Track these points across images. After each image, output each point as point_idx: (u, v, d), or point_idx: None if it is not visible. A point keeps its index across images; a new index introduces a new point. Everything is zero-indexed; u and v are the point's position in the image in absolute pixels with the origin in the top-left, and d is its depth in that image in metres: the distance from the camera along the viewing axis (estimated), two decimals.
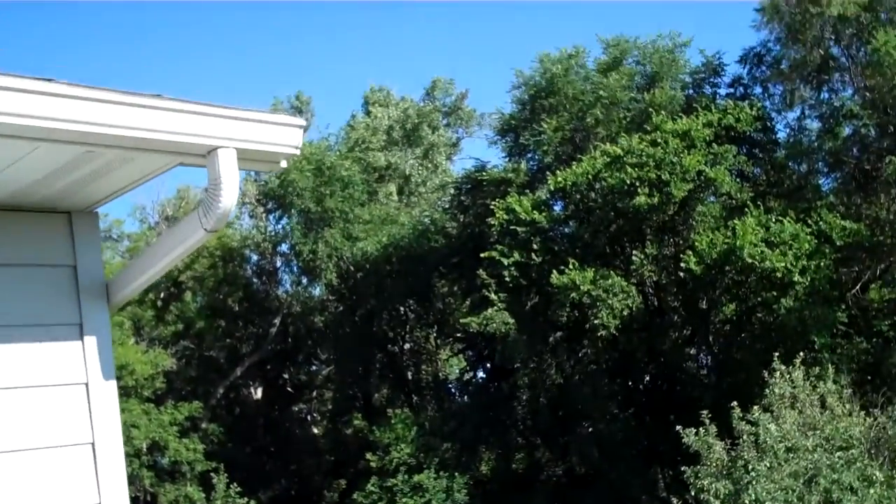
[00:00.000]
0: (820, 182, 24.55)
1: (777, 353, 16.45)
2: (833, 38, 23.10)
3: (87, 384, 4.39)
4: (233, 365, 33.88)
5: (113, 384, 4.48)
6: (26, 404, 4.22)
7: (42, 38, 51.24)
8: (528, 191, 25.08)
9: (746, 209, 22.31)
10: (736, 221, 21.55)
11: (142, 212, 38.63)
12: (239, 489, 24.48)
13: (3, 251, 4.27)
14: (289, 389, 37.37)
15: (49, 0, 48.04)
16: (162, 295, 33.18)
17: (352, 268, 31.61)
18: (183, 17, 56.85)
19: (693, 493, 15.32)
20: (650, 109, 23.91)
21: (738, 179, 24.10)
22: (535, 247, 23.42)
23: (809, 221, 21.60)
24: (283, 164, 4.33)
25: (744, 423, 15.26)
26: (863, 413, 16.22)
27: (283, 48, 61.92)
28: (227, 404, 35.37)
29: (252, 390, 36.90)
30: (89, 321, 4.44)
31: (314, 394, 38.49)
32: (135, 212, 38.53)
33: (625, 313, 22.16)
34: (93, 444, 4.36)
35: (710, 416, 15.70)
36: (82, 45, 55.03)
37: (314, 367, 38.64)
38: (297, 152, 4.25)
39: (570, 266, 22.20)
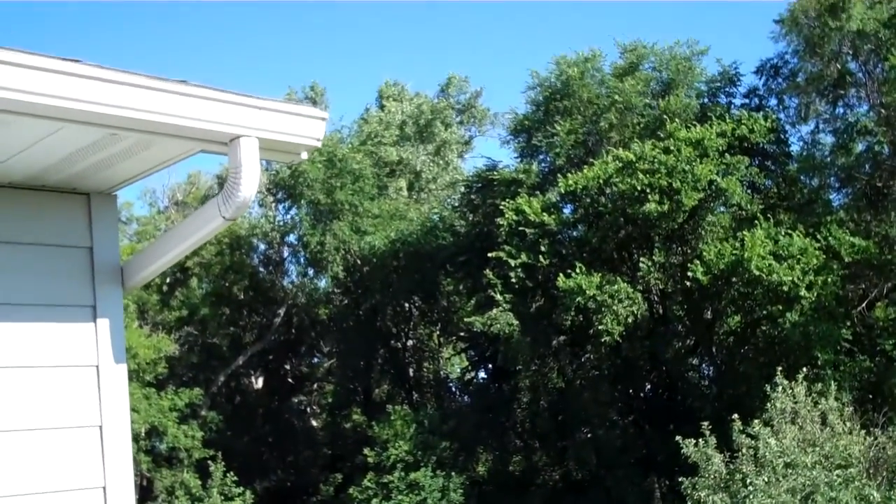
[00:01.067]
0: (831, 197, 24.48)
1: (780, 368, 16.43)
2: (851, 53, 23.05)
3: (97, 366, 4.40)
4: (235, 353, 33.93)
5: (123, 368, 4.48)
6: (37, 384, 4.22)
7: (52, 25, 51.28)
8: (538, 192, 25.05)
9: (756, 221, 22.28)
10: (745, 233, 21.52)
11: (151, 195, 38.79)
12: (235, 478, 24.52)
13: (22, 230, 4.27)
14: (289, 380, 37.41)
15: None
16: (168, 280, 33.21)
17: (359, 261, 31.62)
18: (198, 6, 56.82)
19: None
20: (664, 116, 23.89)
21: (748, 191, 24.07)
22: (542, 249, 23.40)
23: (818, 236, 21.56)
24: (304, 155, 4.33)
25: (743, 436, 15.23)
26: (863, 432, 16.20)
27: (299, 39, 62.07)
28: (227, 392, 35.42)
29: (253, 380, 36.95)
30: (103, 304, 4.45)
31: (315, 386, 38.53)
32: (144, 195, 38.69)
33: (629, 320, 22.14)
34: (101, 426, 4.36)
35: (709, 427, 15.68)
36: (89, 31, 55.02)
37: (316, 360, 38.69)
38: (319, 144, 4.25)
39: (577, 270, 22.18)
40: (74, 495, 4.26)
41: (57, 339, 4.30)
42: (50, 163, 4.10)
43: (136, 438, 26.80)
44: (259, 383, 37.04)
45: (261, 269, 35.49)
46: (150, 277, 4.72)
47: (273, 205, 34.10)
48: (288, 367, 37.36)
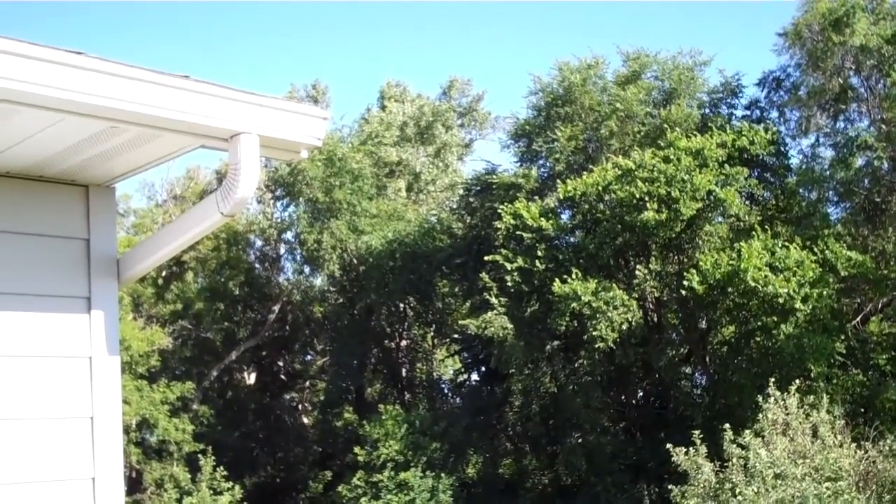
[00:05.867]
0: (829, 211, 24.46)
1: (773, 379, 16.43)
2: (853, 68, 23.06)
3: (90, 358, 4.40)
4: (228, 348, 33.92)
5: (116, 360, 4.49)
6: (30, 374, 4.23)
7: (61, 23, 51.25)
8: (536, 197, 25.06)
9: (753, 232, 22.28)
10: (742, 244, 21.52)
11: (150, 189, 38.73)
12: (225, 473, 24.49)
13: (19, 220, 4.28)
14: (282, 377, 37.40)
15: None
16: (164, 273, 33.21)
17: (355, 260, 31.63)
18: (203, 3, 56.73)
19: None
20: (665, 125, 23.89)
21: (747, 202, 24.10)
22: (539, 254, 23.40)
23: (815, 249, 21.56)
24: (304, 154, 4.33)
25: (734, 445, 15.24)
26: (854, 445, 16.19)
27: (303, 36, 61.86)
28: (219, 387, 35.41)
29: (245, 375, 36.94)
30: (98, 296, 4.45)
31: (307, 383, 38.52)
32: (143, 188, 38.64)
33: (623, 327, 22.14)
34: (92, 418, 4.37)
35: (701, 436, 15.69)
36: (93, 26, 54.98)
37: (309, 357, 38.68)
38: (320, 143, 4.26)
39: (573, 276, 22.19)
40: (64, 485, 4.26)
41: (51, 329, 4.30)
42: (49, 154, 4.11)
43: (126, 430, 26.79)
44: (251, 379, 37.03)
45: (257, 265, 35.50)
46: (146, 271, 4.73)
47: (271, 202, 34.10)
48: (281, 363, 37.36)
